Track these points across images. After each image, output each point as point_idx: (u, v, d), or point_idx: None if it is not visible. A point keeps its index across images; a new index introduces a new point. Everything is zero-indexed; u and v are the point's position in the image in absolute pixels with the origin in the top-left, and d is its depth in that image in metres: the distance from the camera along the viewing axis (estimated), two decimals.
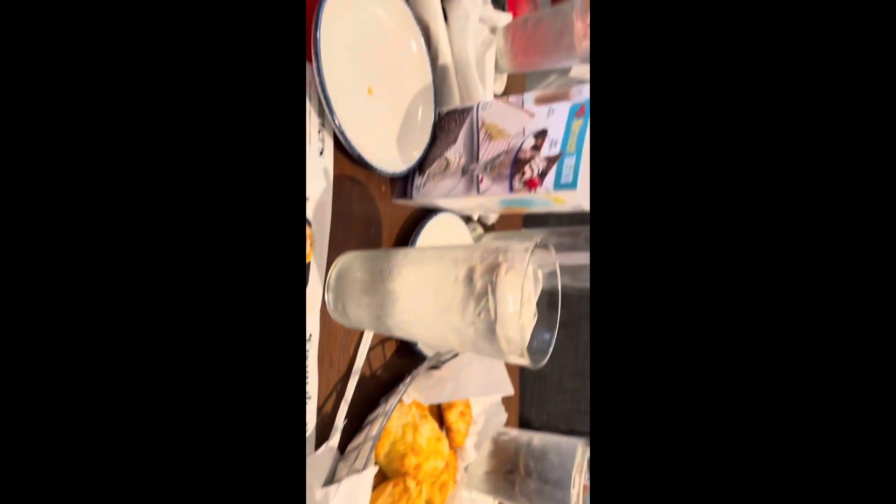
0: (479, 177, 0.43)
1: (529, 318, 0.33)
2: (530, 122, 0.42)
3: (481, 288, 0.31)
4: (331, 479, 0.34)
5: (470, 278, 0.32)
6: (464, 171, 0.45)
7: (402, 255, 0.37)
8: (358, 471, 0.35)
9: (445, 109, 0.49)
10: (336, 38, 0.39)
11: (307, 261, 0.38)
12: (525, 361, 0.32)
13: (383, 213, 0.48)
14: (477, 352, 0.34)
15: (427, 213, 0.51)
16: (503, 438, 0.54)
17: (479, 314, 0.31)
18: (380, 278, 0.37)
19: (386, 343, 0.49)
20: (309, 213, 0.38)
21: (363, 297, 0.38)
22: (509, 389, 0.44)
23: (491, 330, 0.31)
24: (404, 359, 0.50)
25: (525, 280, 0.30)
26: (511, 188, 0.41)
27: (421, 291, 0.34)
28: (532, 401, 0.77)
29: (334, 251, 0.42)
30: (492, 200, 0.43)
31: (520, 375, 0.78)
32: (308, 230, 0.37)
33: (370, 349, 0.46)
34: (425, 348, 0.50)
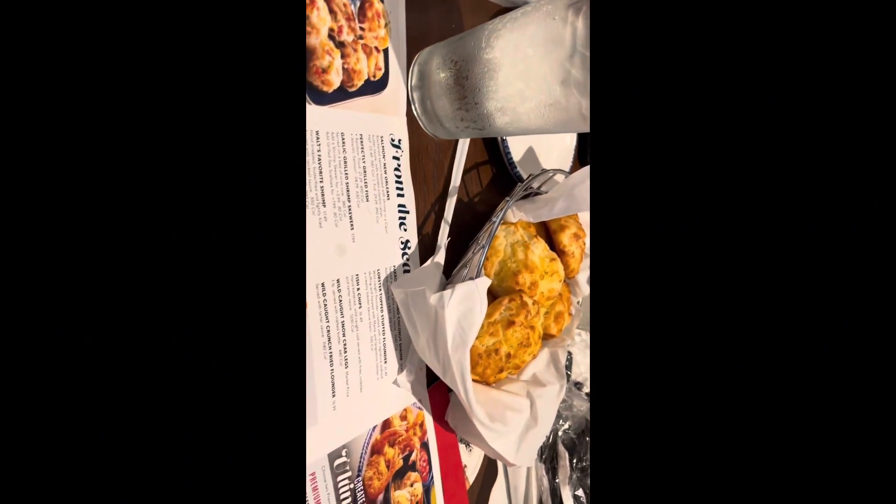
0: None
1: None
2: None
3: None
4: (442, 289, 0.31)
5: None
6: None
7: (498, 21, 0.30)
8: (472, 278, 0.31)
9: None
10: None
11: (384, 47, 0.32)
12: None
13: (463, 8, 0.40)
14: None
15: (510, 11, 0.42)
16: None
17: None
18: (474, 54, 0.30)
19: (481, 168, 0.43)
20: None
21: (454, 86, 0.31)
22: None
23: None
24: (501, 187, 0.44)
25: None
26: None
27: (529, 48, 0.27)
28: None
29: (412, 51, 0.35)
30: None
31: None
32: (380, 4, 0.31)
33: (465, 172, 0.40)
34: (524, 170, 0.44)
